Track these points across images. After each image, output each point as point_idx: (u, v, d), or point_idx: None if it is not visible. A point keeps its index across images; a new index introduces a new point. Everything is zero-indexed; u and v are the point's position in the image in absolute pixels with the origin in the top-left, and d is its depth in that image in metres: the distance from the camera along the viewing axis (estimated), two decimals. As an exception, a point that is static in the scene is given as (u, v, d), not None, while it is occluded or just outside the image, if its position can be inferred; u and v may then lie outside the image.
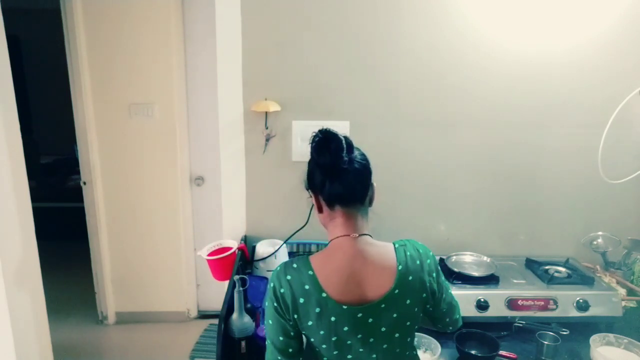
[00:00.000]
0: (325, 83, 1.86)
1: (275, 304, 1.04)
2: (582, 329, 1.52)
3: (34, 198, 1.99)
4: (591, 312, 1.57)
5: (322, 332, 1.02)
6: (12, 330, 1.80)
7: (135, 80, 2.63)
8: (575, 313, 1.58)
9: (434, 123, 1.89)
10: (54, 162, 4.84)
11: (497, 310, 1.58)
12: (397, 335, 1.05)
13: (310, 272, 1.02)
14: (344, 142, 1.01)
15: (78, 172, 2.83)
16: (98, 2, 2.53)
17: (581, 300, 1.58)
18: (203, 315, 3.09)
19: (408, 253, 1.06)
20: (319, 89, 1.86)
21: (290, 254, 1.90)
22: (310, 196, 1.11)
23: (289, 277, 1.03)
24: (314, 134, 1.03)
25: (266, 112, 1.85)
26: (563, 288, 1.63)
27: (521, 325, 1.55)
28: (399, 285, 1.02)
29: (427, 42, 1.81)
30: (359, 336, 1.02)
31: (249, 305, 1.47)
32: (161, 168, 2.76)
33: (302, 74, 1.85)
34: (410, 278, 1.03)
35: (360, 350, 1.04)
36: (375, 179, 1.13)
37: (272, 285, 1.05)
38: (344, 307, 1.00)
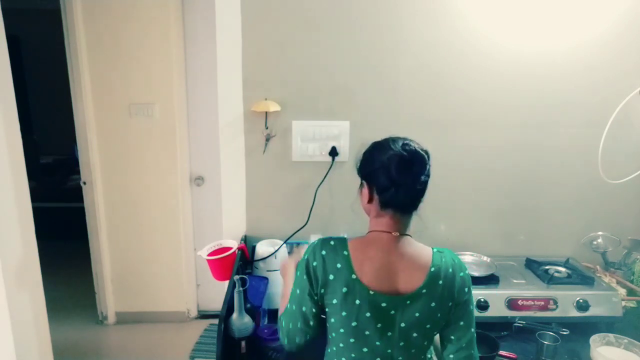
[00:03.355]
0: (325, 83, 1.86)
1: (305, 276, 1.06)
2: (582, 329, 1.52)
3: (34, 198, 1.98)
4: (591, 312, 1.57)
5: (344, 314, 1.04)
6: (12, 330, 1.79)
7: (135, 80, 2.63)
8: (575, 313, 1.58)
9: (433, 123, 1.89)
10: (54, 162, 4.84)
11: (497, 310, 1.58)
12: (415, 335, 1.05)
13: (345, 253, 1.05)
14: (427, 164, 1.05)
15: (78, 172, 2.83)
16: (98, 2, 2.53)
17: (581, 300, 1.58)
18: (203, 315, 3.09)
19: (444, 259, 1.07)
20: (319, 89, 1.86)
21: (290, 254, 1.90)
22: (363, 185, 1.10)
23: (323, 252, 1.05)
24: (400, 148, 1.03)
25: (266, 112, 1.85)
26: (563, 288, 1.63)
27: (521, 325, 1.55)
28: (427, 286, 1.03)
29: (427, 42, 1.81)
30: (379, 325, 1.03)
31: (248, 305, 1.47)
32: (161, 168, 2.76)
33: (302, 74, 1.85)
34: (440, 282, 1.04)
35: (377, 343, 1.05)
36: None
37: (306, 257, 1.08)
38: (371, 292, 1.02)
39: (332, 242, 1.07)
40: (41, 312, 2.06)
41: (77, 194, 2.91)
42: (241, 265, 1.70)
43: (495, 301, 1.59)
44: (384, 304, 1.02)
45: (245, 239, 1.93)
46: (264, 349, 1.41)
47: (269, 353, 1.41)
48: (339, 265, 1.03)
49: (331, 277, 1.04)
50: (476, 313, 1.55)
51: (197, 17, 2.64)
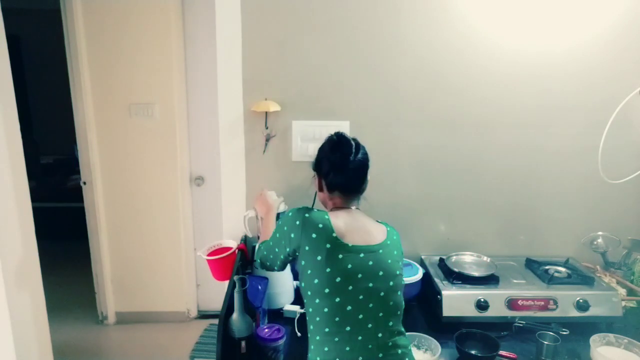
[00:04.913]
0: (325, 83, 1.86)
1: (285, 228, 1.25)
2: (582, 329, 1.52)
3: (34, 198, 1.99)
4: (591, 312, 1.57)
5: (328, 270, 1.17)
6: (12, 330, 1.79)
7: (135, 80, 2.63)
8: (575, 313, 1.58)
9: (433, 123, 1.89)
10: (54, 162, 4.84)
11: (497, 310, 1.58)
12: (391, 283, 1.21)
13: (326, 216, 1.23)
14: (353, 147, 1.25)
15: (78, 172, 2.83)
16: (98, 2, 2.53)
17: (581, 300, 1.58)
18: (203, 315, 3.09)
19: (386, 223, 1.34)
20: (319, 89, 1.86)
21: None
22: (315, 176, 1.34)
23: (307, 215, 1.22)
24: (331, 135, 1.31)
25: (266, 112, 1.85)
26: (563, 288, 1.63)
27: (521, 325, 1.55)
28: (389, 238, 1.27)
29: (427, 42, 1.81)
30: (360, 276, 1.18)
31: (249, 305, 1.47)
32: (161, 168, 2.76)
33: (302, 74, 1.85)
34: (395, 237, 1.30)
35: (360, 297, 1.17)
36: (375, 179, 1.37)
37: (290, 215, 1.26)
38: (350, 245, 1.19)
39: (314, 209, 1.27)
40: (41, 312, 2.06)
41: (77, 194, 2.91)
42: (241, 265, 1.70)
43: (495, 301, 1.59)
44: (362, 255, 1.20)
45: (245, 239, 1.93)
46: (264, 349, 1.40)
47: (269, 353, 1.41)
48: (320, 226, 1.20)
49: (314, 235, 1.19)
50: (476, 313, 1.57)
51: (197, 17, 2.64)
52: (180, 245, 2.88)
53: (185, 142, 2.79)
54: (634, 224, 1.94)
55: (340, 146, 1.26)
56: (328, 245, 1.18)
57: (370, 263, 1.19)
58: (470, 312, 1.57)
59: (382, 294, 1.20)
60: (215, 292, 3.01)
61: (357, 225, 1.24)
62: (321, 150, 1.31)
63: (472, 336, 1.48)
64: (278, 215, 1.72)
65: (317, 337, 1.20)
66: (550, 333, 1.47)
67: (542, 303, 1.59)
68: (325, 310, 1.18)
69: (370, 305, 1.18)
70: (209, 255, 1.70)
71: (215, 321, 1.50)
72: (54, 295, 2.39)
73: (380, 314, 1.19)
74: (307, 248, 1.20)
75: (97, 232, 2.82)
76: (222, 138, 1.92)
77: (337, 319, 1.17)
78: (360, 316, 1.17)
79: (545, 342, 1.43)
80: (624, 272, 1.80)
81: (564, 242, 1.97)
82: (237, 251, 1.71)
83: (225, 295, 1.48)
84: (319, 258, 1.18)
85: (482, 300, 1.58)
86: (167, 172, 2.77)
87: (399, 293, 1.25)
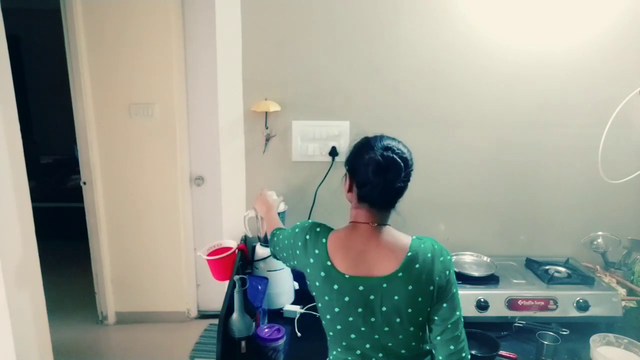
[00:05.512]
0: (325, 83, 1.86)
1: (292, 241, 1.20)
2: (582, 329, 1.52)
3: (34, 198, 1.98)
4: (591, 312, 1.57)
5: (326, 298, 1.10)
6: (12, 330, 1.79)
7: (135, 80, 2.63)
8: (575, 313, 1.58)
9: (433, 123, 1.89)
10: (54, 162, 4.84)
11: (497, 310, 1.58)
12: (397, 320, 1.06)
13: (324, 240, 1.12)
14: (402, 172, 1.05)
15: (78, 172, 2.83)
16: (98, 2, 2.53)
17: (581, 300, 1.58)
18: (203, 315, 3.09)
19: (422, 245, 1.09)
20: (319, 89, 1.86)
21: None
22: (345, 175, 1.15)
23: (307, 237, 1.15)
24: (380, 152, 1.05)
25: (266, 112, 1.85)
26: (563, 288, 1.63)
27: (521, 325, 1.55)
28: (403, 269, 1.05)
29: (427, 42, 1.82)
30: (359, 310, 1.06)
31: (249, 305, 1.47)
32: (161, 168, 2.76)
33: (302, 74, 1.85)
34: (417, 266, 1.05)
35: (362, 329, 1.08)
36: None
37: (297, 231, 1.20)
38: (346, 276, 1.07)
39: (317, 229, 1.16)
40: (41, 312, 2.06)
41: (77, 194, 2.91)
42: (241, 265, 1.70)
43: (495, 301, 1.59)
44: (361, 288, 1.06)
45: (245, 239, 1.93)
46: (264, 349, 1.40)
47: (269, 353, 1.41)
48: (316, 252, 1.12)
49: (311, 260, 1.12)
50: (476, 313, 1.57)
51: (197, 17, 2.64)
52: (180, 245, 2.88)
53: (185, 142, 2.79)
54: (634, 224, 1.94)
55: (387, 172, 1.03)
56: (322, 274, 1.09)
57: (372, 297, 1.06)
58: (470, 312, 1.57)
59: (386, 329, 1.07)
60: (215, 292, 3.01)
61: (363, 251, 1.08)
62: (361, 157, 1.07)
63: (472, 336, 1.48)
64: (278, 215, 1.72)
65: (334, 352, 1.16)
66: (550, 333, 1.47)
67: (542, 303, 1.59)
68: (331, 333, 1.14)
69: (376, 336, 1.08)
70: (209, 255, 1.70)
71: (215, 321, 1.50)
72: (54, 295, 2.38)
73: (390, 344, 1.09)
74: (308, 270, 1.14)
75: (97, 232, 2.81)
76: (222, 138, 1.92)
77: (344, 343, 1.12)
78: (367, 345, 1.09)
79: (545, 342, 1.43)
80: (624, 272, 1.80)
81: (564, 242, 1.98)
82: (237, 251, 1.71)
83: (225, 295, 1.48)
84: (317, 284, 1.11)
85: (482, 300, 1.58)
86: (167, 172, 2.77)
87: (412, 329, 1.08)
